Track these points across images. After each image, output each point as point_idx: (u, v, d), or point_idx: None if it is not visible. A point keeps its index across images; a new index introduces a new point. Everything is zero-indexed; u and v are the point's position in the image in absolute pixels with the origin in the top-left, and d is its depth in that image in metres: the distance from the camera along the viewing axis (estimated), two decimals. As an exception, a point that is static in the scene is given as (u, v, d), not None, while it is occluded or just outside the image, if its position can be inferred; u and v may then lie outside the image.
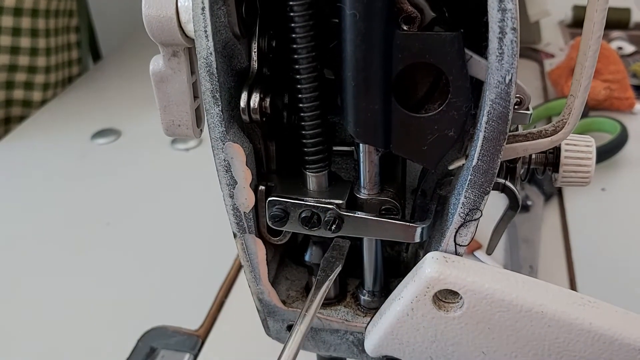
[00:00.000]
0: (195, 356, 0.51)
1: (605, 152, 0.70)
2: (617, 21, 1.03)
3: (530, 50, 0.99)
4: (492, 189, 0.29)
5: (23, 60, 0.90)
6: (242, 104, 0.30)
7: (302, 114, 0.30)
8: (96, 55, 1.15)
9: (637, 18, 1.06)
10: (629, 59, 0.94)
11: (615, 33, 1.00)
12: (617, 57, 0.84)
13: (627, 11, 1.05)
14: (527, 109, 0.29)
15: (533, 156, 0.34)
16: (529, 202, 0.65)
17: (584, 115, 0.78)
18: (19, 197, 0.73)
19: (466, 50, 0.26)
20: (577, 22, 1.07)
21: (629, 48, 0.97)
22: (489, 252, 0.37)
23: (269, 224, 0.32)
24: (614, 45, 0.97)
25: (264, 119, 0.30)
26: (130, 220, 0.68)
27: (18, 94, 0.93)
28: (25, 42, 0.89)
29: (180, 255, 0.63)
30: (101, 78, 1.02)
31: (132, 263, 0.62)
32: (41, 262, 0.63)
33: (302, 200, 0.31)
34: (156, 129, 0.32)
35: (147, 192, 0.73)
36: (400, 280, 0.32)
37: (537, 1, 0.87)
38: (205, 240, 0.64)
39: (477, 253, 0.59)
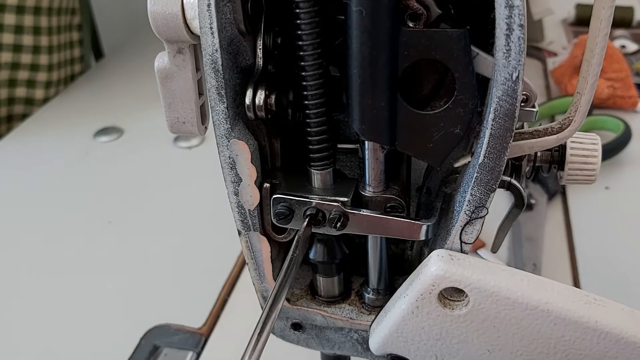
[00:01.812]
0: (199, 354, 0.51)
1: (609, 151, 0.70)
2: (620, 20, 1.03)
3: (533, 48, 0.99)
4: (498, 187, 0.29)
5: (25, 58, 0.90)
6: (247, 101, 0.30)
7: (307, 111, 0.30)
8: (98, 53, 1.15)
9: (640, 16, 1.05)
10: (632, 58, 0.94)
11: (619, 31, 1.00)
12: (621, 55, 0.84)
13: (630, 10, 1.04)
14: (533, 107, 0.29)
15: (539, 154, 0.34)
16: (533, 201, 0.64)
17: (588, 113, 0.78)
18: (21, 195, 0.73)
19: (472, 47, 0.26)
20: (580, 21, 1.07)
21: (632, 46, 0.97)
22: (494, 250, 0.37)
23: (274, 221, 0.32)
24: (617, 43, 0.97)
25: (269, 116, 0.30)
26: (132, 218, 0.68)
27: (20, 91, 0.93)
28: (27, 40, 0.89)
29: (183, 253, 0.63)
30: (103, 76, 1.02)
31: (135, 261, 0.62)
32: (43, 260, 0.63)
33: (307, 197, 0.31)
34: (159, 126, 0.32)
35: (150, 190, 0.73)
36: (405, 278, 0.32)
37: (540, 0, 0.87)
38: (208, 238, 0.64)
39: (481, 251, 0.59)
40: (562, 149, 0.33)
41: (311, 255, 0.35)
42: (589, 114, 0.77)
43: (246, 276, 0.59)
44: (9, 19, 0.86)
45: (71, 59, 1.00)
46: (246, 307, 0.55)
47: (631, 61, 0.91)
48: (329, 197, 0.31)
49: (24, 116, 0.93)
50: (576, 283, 0.56)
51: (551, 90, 0.88)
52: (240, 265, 0.60)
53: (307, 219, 0.31)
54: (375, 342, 0.34)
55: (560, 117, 0.30)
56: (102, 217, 0.68)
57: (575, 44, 0.90)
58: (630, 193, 0.68)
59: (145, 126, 0.84)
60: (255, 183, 0.31)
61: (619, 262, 0.59)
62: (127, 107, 0.90)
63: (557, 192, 0.67)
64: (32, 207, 0.71)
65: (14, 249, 0.65)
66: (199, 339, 0.53)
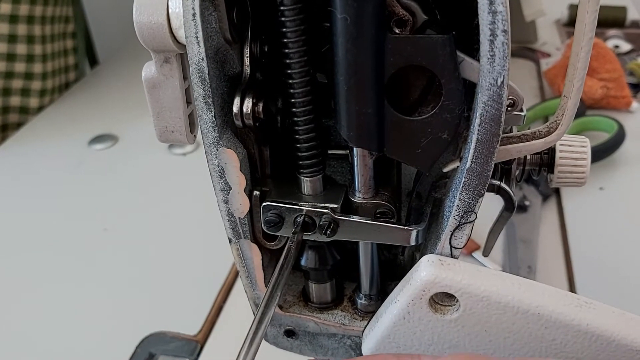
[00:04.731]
0: (194, 361, 0.51)
1: (603, 151, 0.70)
2: (613, 19, 1.03)
3: (526, 49, 0.99)
4: (487, 191, 0.29)
5: (19, 67, 0.90)
6: (235, 109, 0.30)
7: (295, 119, 0.30)
8: (93, 61, 1.15)
9: (633, 16, 1.06)
10: (625, 57, 0.94)
11: (612, 31, 1.00)
12: (614, 55, 0.84)
13: (622, 9, 1.05)
14: (521, 110, 0.29)
15: (528, 157, 0.34)
16: (527, 202, 0.64)
17: (581, 114, 0.78)
18: (16, 204, 0.73)
19: (458, 53, 0.26)
20: (573, 21, 1.06)
21: (626, 46, 0.97)
22: (486, 253, 0.37)
23: (264, 229, 0.32)
24: (610, 43, 0.97)
25: (258, 124, 0.30)
26: (127, 226, 0.68)
27: (15, 100, 0.92)
28: (21, 48, 0.89)
29: (178, 260, 0.63)
30: (98, 84, 1.01)
31: (130, 269, 0.62)
32: (38, 269, 0.62)
33: (297, 204, 0.31)
34: (153, 133, 0.32)
35: (145, 197, 0.73)
36: (397, 283, 0.32)
37: (532, 1, 0.87)
38: (204, 245, 0.64)
39: (476, 254, 0.59)
40: (551, 151, 0.33)
41: (303, 262, 0.35)
42: (583, 114, 0.78)
43: (241, 282, 0.59)
44: (2, 28, 0.86)
45: (65, 66, 1.00)
46: (242, 314, 0.55)
47: (624, 61, 0.92)
48: (318, 204, 0.31)
49: (18, 125, 0.93)
50: (571, 284, 0.56)
51: (545, 91, 0.88)
52: (236, 272, 0.60)
53: (296, 227, 0.31)
54: (368, 348, 0.34)
55: (550, 121, 0.30)
56: (98, 225, 0.68)
57: (568, 44, 0.90)
58: (624, 193, 0.68)
59: (140, 133, 0.84)
60: (244, 191, 0.31)
61: (614, 263, 0.59)
62: (122, 115, 0.90)
63: (551, 193, 0.67)
64: (28, 215, 0.71)
65: (9, 257, 0.64)
66: (194, 347, 0.53)
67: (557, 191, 0.68)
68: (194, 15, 0.26)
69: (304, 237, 0.32)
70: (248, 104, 0.29)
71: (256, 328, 0.27)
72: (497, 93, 0.25)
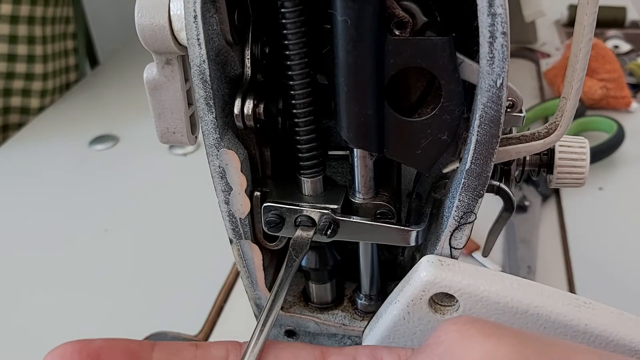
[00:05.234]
0: (195, 361, 0.51)
1: (602, 151, 0.70)
2: (612, 20, 1.03)
3: (526, 50, 0.99)
4: (487, 191, 0.29)
5: (20, 67, 0.90)
6: (236, 110, 0.30)
7: (296, 120, 0.30)
8: (93, 62, 1.15)
9: (633, 16, 1.06)
10: (625, 58, 0.94)
11: (611, 32, 1.01)
12: (613, 56, 0.84)
13: (622, 10, 1.05)
14: (520, 112, 0.29)
15: (527, 158, 0.34)
16: (527, 203, 0.65)
17: (581, 114, 0.78)
18: (17, 204, 0.73)
19: (458, 54, 0.26)
20: (572, 22, 1.07)
21: (625, 47, 0.97)
22: (485, 254, 0.37)
23: (265, 229, 0.32)
24: (610, 44, 0.97)
25: (259, 125, 0.30)
26: (128, 226, 0.68)
27: (15, 101, 0.93)
28: (22, 49, 0.89)
29: (178, 260, 0.63)
30: (99, 84, 1.02)
31: (131, 269, 0.62)
32: (39, 270, 0.63)
33: (298, 205, 0.31)
34: (154, 134, 0.32)
35: (145, 198, 0.73)
36: (397, 284, 0.32)
37: (532, 1, 0.87)
38: (204, 245, 0.64)
39: (475, 254, 0.59)
40: (550, 152, 0.33)
41: (303, 263, 0.35)
42: (582, 114, 0.78)
43: (242, 283, 0.59)
44: (3, 28, 0.86)
45: (66, 67, 1.00)
46: (242, 314, 0.55)
47: (624, 61, 0.92)
48: (319, 205, 0.31)
49: (19, 126, 0.93)
50: (571, 284, 0.56)
51: (544, 92, 0.88)
52: (236, 272, 0.61)
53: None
54: (368, 348, 0.34)
55: (549, 121, 0.30)
56: (98, 225, 0.68)
57: (567, 45, 0.90)
58: (623, 193, 0.68)
59: (141, 134, 0.85)
60: (245, 192, 0.31)
61: (614, 263, 0.59)
62: (123, 115, 0.90)
63: (551, 193, 0.67)
64: (28, 215, 0.71)
65: (9, 257, 0.65)
66: (195, 346, 0.53)
67: (556, 191, 0.68)
68: (195, 17, 0.26)
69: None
70: (249, 105, 0.30)
71: (260, 329, 0.27)
72: (496, 94, 0.25)
